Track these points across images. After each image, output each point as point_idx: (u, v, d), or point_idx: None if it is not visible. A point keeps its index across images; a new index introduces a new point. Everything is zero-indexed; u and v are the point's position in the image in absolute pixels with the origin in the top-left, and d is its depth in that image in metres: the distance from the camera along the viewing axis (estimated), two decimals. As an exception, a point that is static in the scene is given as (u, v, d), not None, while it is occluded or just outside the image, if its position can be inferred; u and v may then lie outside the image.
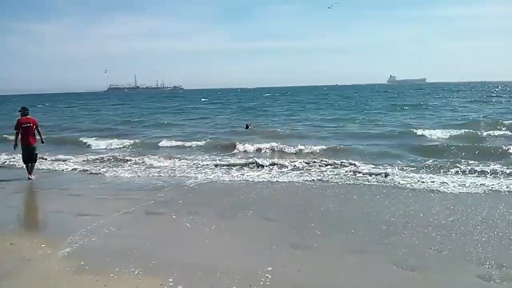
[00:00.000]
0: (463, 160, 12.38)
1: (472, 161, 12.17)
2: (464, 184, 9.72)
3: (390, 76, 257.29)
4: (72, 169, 13.27)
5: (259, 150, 16.10)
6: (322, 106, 44.20)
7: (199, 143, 18.18)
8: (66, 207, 8.90)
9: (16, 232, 7.07)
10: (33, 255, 5.92)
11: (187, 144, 18.18)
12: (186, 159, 14.39)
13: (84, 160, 14.73)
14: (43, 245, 6.32)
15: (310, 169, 12.03)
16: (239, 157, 14.75)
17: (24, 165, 12.26)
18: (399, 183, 10.11)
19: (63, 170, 13.25)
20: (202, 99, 74.11)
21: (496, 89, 77.81)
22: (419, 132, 19.43)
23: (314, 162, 12.82)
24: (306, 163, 12.69)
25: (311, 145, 16.02)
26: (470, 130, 19.29)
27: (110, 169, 13.13)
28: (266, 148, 16.13)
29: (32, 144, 12.13)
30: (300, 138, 19.23)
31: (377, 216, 7.61)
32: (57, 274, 5.29)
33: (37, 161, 12.56)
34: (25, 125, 12.08)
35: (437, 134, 18.68)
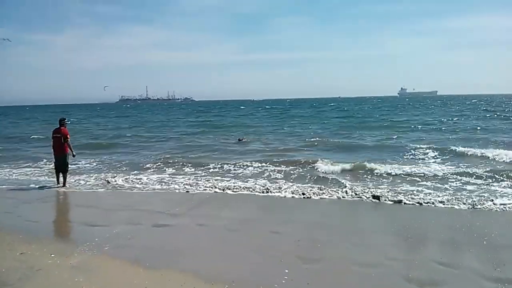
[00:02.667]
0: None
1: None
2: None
3: (401, 88, 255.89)
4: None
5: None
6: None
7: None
8: (77, 217, 8.97)
9: (26, 241, 7.07)
10: (43, 265, 5.93)
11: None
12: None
13: None
14: (52, 255, 6.33)
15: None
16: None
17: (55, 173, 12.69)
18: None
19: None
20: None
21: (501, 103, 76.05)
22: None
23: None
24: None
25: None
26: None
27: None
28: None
29: (60, 154, 12.47)
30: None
31: (387, 230, 7.57)
32: (66, 284, 5.29)
33: (67, 171, 12.72)
34: (55, 135, 12.59)
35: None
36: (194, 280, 5.43)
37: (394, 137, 23.94)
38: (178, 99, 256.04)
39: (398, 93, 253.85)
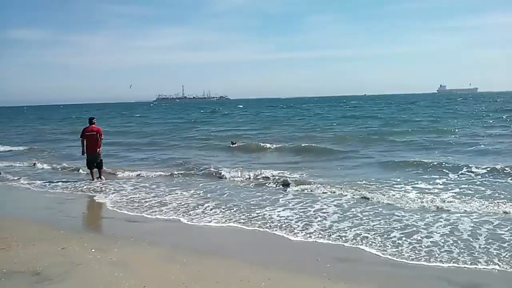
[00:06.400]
0: None
1: None
2: None
3: (440, 85, 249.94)
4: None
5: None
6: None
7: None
8: (116, 213, 9.15)
9: (67, 237, 7.22)
10: (83, 260, 6.02)
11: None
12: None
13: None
14: (93, 250, 6.42)
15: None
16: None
17: (89, 170, 13.18)
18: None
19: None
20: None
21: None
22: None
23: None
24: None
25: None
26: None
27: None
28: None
29: (94, 151, 12.98)
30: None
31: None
32: (106, 279, 5.35)
33: (103, 166, 13.26)
34: (89, 133, 13.06)
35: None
36: (230, 276, 5.42)
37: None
38: (214, 97, 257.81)
39: (437, 90, 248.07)
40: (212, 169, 13.81)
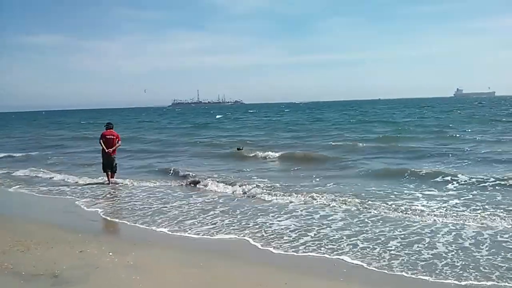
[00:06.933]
0: None
1: None
2: None
3: (457, 89, 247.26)
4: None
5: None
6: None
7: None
8: (130, 218, 9.36)
9: (85, 240, 7.39)
10: (101, 263, 6.18)
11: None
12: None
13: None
14: (110, 254, 6.58)
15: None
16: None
17: (104, 173, 13.61)
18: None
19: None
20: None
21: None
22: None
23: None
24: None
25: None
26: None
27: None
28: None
29: (110, 154, 13.40)
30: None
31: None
32: (123, 283, 5.53)
33: (115, 172, 13.68)
34: (107, 137, 13.58)
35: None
36: (244, 282, 5.61)
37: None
38: (228, 102, 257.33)
39: (454, 94, 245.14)
40: (214, 176, 13.73)
